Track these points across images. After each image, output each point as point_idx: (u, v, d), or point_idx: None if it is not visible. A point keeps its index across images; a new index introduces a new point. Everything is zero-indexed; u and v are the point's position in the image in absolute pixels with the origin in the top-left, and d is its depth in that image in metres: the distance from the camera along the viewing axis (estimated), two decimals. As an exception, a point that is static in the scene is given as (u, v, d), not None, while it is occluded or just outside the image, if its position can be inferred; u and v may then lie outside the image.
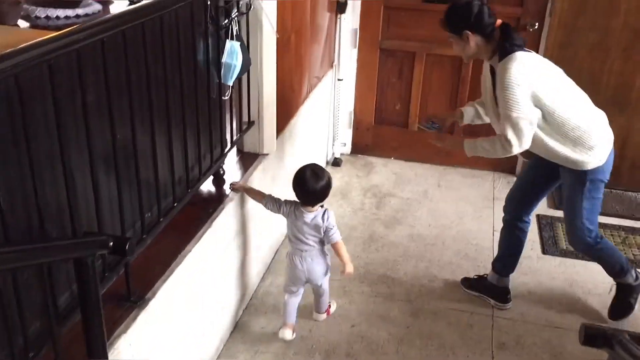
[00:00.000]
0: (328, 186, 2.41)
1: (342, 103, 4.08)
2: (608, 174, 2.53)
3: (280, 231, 3.14)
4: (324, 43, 3.75)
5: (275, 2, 2.54)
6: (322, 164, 4.04)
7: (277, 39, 2.70)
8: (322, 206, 2.46)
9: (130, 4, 1.84)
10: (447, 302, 2.83)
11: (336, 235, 2.47)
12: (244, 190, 2.50)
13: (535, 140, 2.36)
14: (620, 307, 2.75)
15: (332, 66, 3.95)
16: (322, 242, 2.50)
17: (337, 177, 3.96)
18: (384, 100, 4.18)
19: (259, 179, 2.68)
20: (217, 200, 2.35)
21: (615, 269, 2.71)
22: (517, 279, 3.00)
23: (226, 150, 2.45)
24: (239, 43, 2.26)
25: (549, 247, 3.29)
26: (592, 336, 1.35)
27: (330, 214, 2.46)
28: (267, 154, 2.77)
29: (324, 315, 2.71)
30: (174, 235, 2.05)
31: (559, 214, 3.59)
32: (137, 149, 1.71)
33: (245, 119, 2.65)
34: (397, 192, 3.83)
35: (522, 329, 2.69)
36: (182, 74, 1.93)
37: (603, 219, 3.16)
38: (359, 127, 4.26)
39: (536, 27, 3.68)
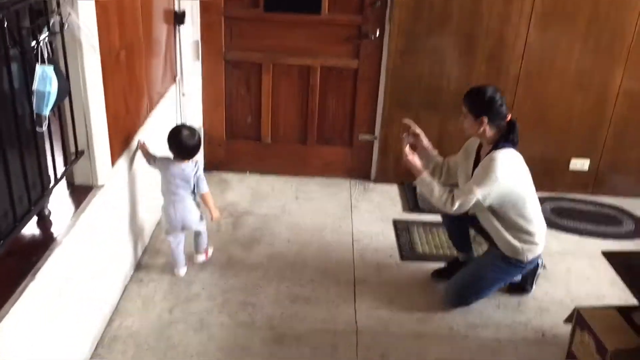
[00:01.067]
0: (199, 143, 2.83)
1: (188, 119, 3.86)
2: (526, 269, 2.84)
3: (124, 268, 2.88)
4: (164, 57, 3.51)
5: (95, 17, 2.28)
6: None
7: (104, 57, 2.44)
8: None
9: None
10: (310, 323, 2.74)
11: (204, 186, 2.86)
12: (141, 149, 2.89)
13: (487, 218, 2.71)
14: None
15: (174, 80, 3.72)
16: (193, 193, 2.86)
17: (190, 198, 3.73)
18: (234, 113, 4.02)
19: (95, 212, 2.41)
20: (42, 247, 2.05)
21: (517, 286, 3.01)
22: (378, 289, 2.99)
23: (50, 187, 2.16)
24: (52, 67, 1.98)
25: (406, 252, 3.32)
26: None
27: (198, 166, 2.82)
28: (102, 185, 2.49)
29: (203, 256, 3.09)
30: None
31: (414, 217, 3.68)
32: None
33: (73, 149, 2.37)
34: (254, 209, 3.69)
35: (386, 342, 2.65)
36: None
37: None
38: (210, 143, 4.06)
39: (377, 34, 3.71)
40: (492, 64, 3.73)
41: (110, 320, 2.66)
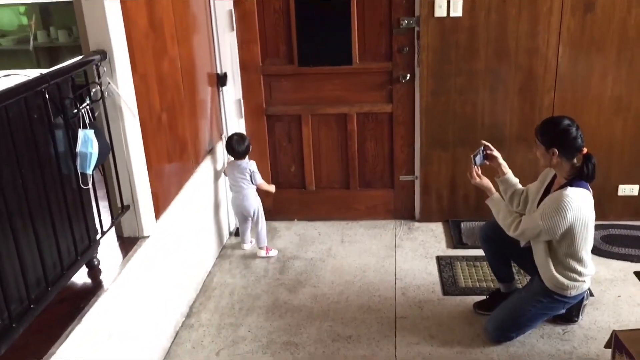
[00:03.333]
0: (248, 147, 3.71)
1: (236, 172, 4.08)
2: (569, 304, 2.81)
3: (175, 315, 3.05)
4: (209, 116, 3.78)
5: (133, 86, 2.54)
6: (224, 237, 4.00)
7: (145, 120, 2.70)
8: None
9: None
10: (350, 360, 2.81)
11: (258, 178, 3.73)
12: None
13: (539, 250, 2.72)
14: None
15: (221, 138, 3.97)
16: (250, 183, 3.70)
17: (240, 247, 3.91)
18: (278, 164, 4.23)
19: (142, 260, 2.61)
20: (90, 294, 2.26)
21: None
22: (419, 325, 3.02)
23: (97, 239, 2.38)
24: (92, 131, 2.23)
25: (448, 287, 3.34)
26: None
27: (252, 162, 3.73)
28: (147, 237, 2.71)
29: (263, 252, 3.77)
30: (36, 339, 1.93)
31: (458, 252, 3.70)
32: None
33: (119, 204, 2.60)
34: (300, 254, 3.82)
35: (426, 375, 2.67)
36: (26, 170, 1.88)
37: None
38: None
39: (408, 78, 3.85)
40: (524, 97, 3.78)
41: (162, 364, 2.83)
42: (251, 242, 3.88)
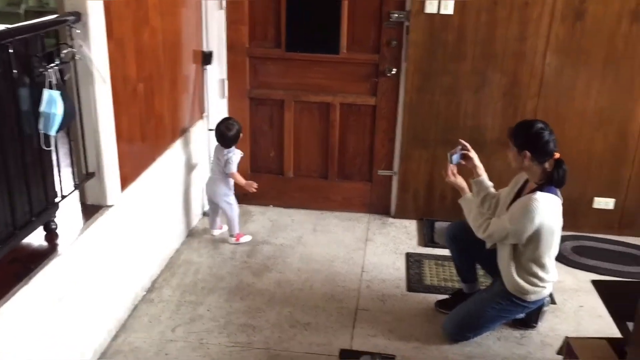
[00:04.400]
0: (235, 136, 3.54)
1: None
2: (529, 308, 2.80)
3: (135, 288, 3.03)
4: (192, 93, 3.75)
5: (107, 53, 2.51)
6: (198, 215, 3.98)
7: (119, 88, 2.67)
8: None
9: None
10: (305, 347, 2.79)
11: (230, 167, 3.55)
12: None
13: (504, 254, 2.71)
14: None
15: (202, 116, 3.94)
16: (223, 171, 3.57)
17: (211, 228, 3.90)
18: (258, 148, 4.20)
19: (102, 230, 2.58)
20: (42, 256, 2.23)
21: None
22: (379, 318, 3.01)
23: (56, 202, 2.35)
24: (59, 92, 2.20)
25: (414, 283, 3.33)
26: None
27: (233, 152, 3.55)
28: (111, 206, 2.68)
29: (233, 239, 3.69)
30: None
31: (428, 251, 3.69)
32: None
33: (84, 170, 2.57)
34: (271, 239, 3.80)
35: (379, 368, 2.66)
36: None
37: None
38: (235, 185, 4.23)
39: (394, 72, 3.83)
40: (508, 102, 3.76)
41: (116, 336, 2.80)
42: (220, 228, 3.80)
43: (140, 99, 2.98)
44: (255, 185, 3.61)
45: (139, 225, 2.99)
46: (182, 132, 3.62)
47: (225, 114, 4.08)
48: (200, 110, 3.93)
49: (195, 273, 3.37)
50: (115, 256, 2.75)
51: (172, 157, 3.42)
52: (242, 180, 3.61)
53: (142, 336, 2.81)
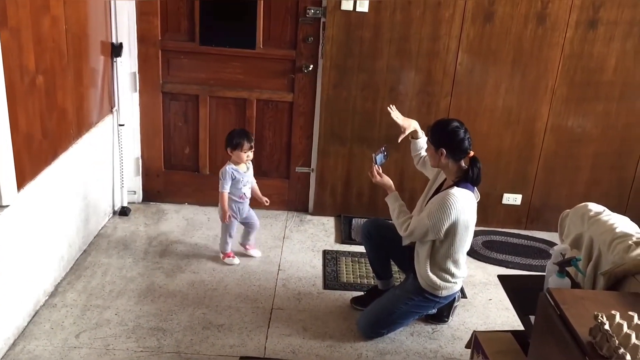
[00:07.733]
0: (229, 141, 3.26)
1: (126, 149, 3.89)
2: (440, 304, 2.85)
3: (36, 293, 2.85)
4: (100, 87, 3.57)
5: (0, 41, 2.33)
6: (107, 215, 3.81)
7: (15, 80, 2.49)
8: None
9: None
10: (218, 349, 2.71)
11: (220, 184, 3.28)
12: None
13: (421, 251, 2.74)
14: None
15: (112, 111, 3.77)
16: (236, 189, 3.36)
17: (123, 227, 3.74)
18: (172, 144, 4.07)
19: (-3, 232, 2.41)
20: None
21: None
22: (294, 317, 2.98)
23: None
24: (-58, 83, 2.02)
25: (330, 281, 3.32)
26: None
27: (226, 166, 3.27)
28: (5, 206, 2.50)
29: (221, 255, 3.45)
30: None
31: (345, 248, 3.70)
32: None
33: (-24, 168, 2.39)
34: (185, 239, 3.69)
35: (292, 367, 2.64)
36: None
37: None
38: (148, 174, 4.09)
39: (311, 68, 3.81)
40: (422, 100, 3.82)
41: (14, 344, 2.63)
42: (247, 247, 3.53)
43: (40, 92, 2.80)
44: (226, 219, 3.33)
45: (38, 226, 2.82)
46: (89, 127, 3.44)
47: (137, 108, 3.93)
48: (109, 105, 3.75)
49: (103, 275, 3.22)
50: (11, 259, 2.57)
51: (77, 153, 3.24)
52: (224, 205, 3.31)
53: (42, 344, 2.65)
